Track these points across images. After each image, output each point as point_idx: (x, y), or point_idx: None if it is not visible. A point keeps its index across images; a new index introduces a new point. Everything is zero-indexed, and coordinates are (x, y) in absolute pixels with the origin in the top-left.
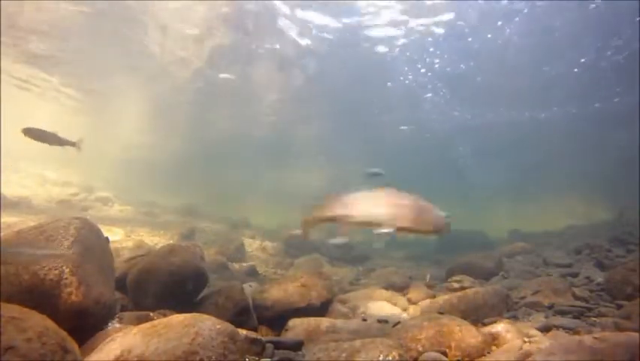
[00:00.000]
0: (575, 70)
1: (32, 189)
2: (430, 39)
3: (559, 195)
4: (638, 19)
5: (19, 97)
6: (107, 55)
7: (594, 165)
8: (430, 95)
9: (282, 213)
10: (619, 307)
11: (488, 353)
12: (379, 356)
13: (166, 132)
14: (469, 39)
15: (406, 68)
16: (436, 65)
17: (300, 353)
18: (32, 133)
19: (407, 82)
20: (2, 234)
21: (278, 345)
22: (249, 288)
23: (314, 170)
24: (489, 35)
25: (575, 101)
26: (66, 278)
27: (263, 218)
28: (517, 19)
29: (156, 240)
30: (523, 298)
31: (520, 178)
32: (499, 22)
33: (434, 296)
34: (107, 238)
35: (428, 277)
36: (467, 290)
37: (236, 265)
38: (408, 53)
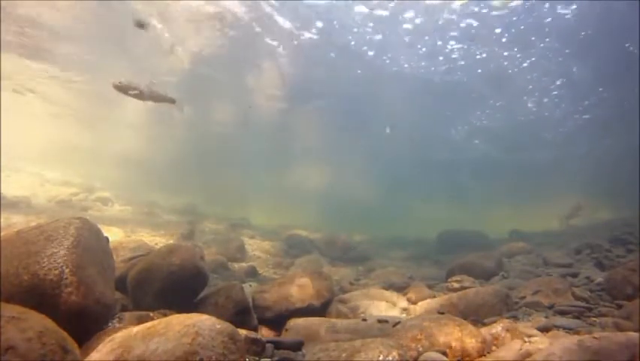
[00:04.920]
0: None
1: (32, 189)
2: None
3: (559, 196)
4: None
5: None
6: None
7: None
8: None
9: (282, 213)
10: (619, 307)
11: (488, 353)
12: (379, 356)
13: (166, 132)
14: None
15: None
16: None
17: (300, 353)
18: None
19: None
20: (2, 234)
21: (278, 345)
22: (249, 288)
23: (314, 171)
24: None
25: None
26: (66, 278)
27: (263, 218)
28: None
29: (156, 240)
30: (523, 298)
31: (520, 182)
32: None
33: (434, 296)
34: (107, 238)
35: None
36: (467, 290)
37: (236, 265)
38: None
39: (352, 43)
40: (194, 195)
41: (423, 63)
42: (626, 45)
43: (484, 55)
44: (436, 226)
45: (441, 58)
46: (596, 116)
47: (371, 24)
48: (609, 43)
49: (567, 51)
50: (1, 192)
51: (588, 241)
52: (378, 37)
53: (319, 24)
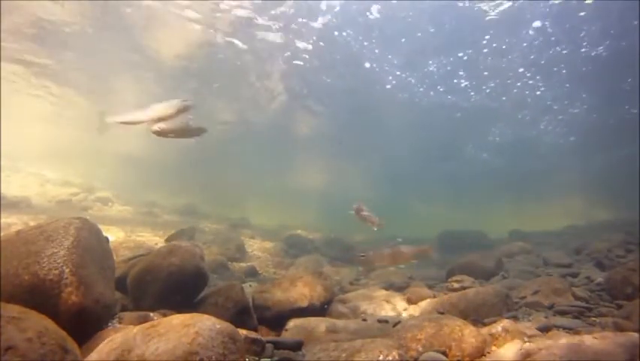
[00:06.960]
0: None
1: (32, 189)
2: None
3: (559, 196)
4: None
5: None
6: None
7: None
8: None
9: (282, 213)
10: (619, 307)
11: (488, 353)
12: (379, 356)
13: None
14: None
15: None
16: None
17: (300, 353)
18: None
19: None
20: (2, 234)
21: (278, 345)
22: (249, 288)
23: (314, 171)
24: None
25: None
26: (66, 278)
27: (263, 218)
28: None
29: (156, 240)
30: (523, 298)
31: (520, 183)
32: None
33: (434, 296)
34: (107, 238)
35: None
36: (467, 290)
37: (236, 265)
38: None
39: (390, 78)
40: (194, 195)
41: (452, 95)
42: (628, 80)
43: (519, 85)
44: (436, 225)
45: (472, 93)
46: (593, 134)
47: (408, 72)
48: (611, 78)
49: (567, 86)
50: (1, 192)
51: (588, 241)
52: (412, 79)
53: (367, 64)
